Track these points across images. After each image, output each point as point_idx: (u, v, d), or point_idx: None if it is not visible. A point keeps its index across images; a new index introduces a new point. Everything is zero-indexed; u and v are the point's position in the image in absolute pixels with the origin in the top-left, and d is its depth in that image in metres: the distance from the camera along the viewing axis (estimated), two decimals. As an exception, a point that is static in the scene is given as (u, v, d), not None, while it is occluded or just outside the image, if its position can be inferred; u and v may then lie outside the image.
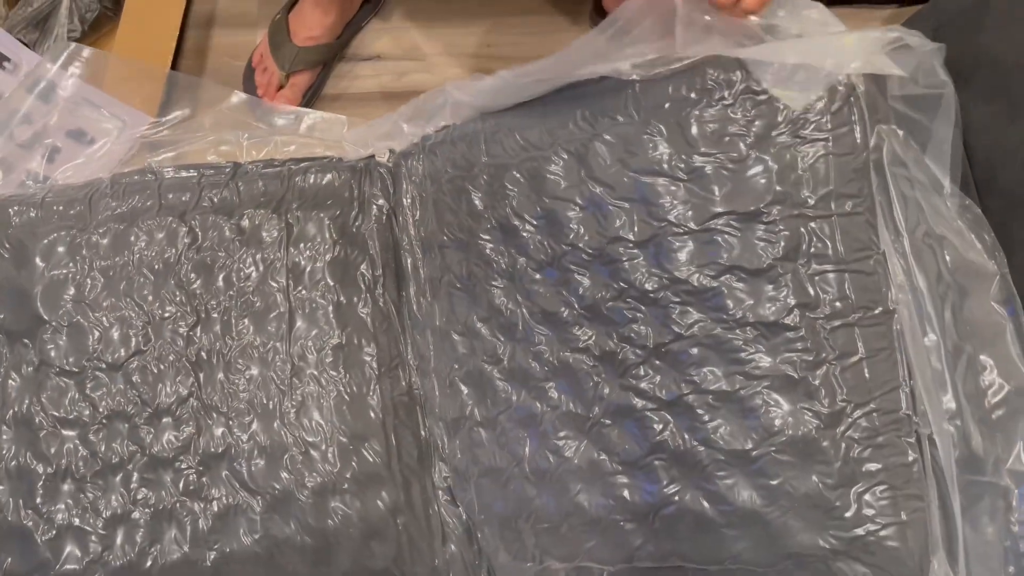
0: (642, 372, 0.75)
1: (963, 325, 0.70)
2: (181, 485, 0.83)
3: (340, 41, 1.10)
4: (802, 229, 0.70)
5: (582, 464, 0.78)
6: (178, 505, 0.83)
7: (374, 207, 0.90)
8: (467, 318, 0.85)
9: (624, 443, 0.76)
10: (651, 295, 0.74)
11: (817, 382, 0.69)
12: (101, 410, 0.85)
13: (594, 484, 0.77)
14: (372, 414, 0.85)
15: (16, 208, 0.89)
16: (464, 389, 0.85)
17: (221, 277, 0.87)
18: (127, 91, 0.98)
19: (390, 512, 0.84)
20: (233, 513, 0.83)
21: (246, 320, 0.87)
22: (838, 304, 0.69)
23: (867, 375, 0.69)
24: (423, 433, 0.87)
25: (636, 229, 0.75)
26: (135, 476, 0.84)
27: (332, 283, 0.88)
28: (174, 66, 1.09)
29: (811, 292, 0.70)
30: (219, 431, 0.84)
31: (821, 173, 0.70)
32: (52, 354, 0.85)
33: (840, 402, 0.69)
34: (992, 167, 0.76)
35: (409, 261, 0.89)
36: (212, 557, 0.82)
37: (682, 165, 0.73)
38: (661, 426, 0.74)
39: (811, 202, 0.70)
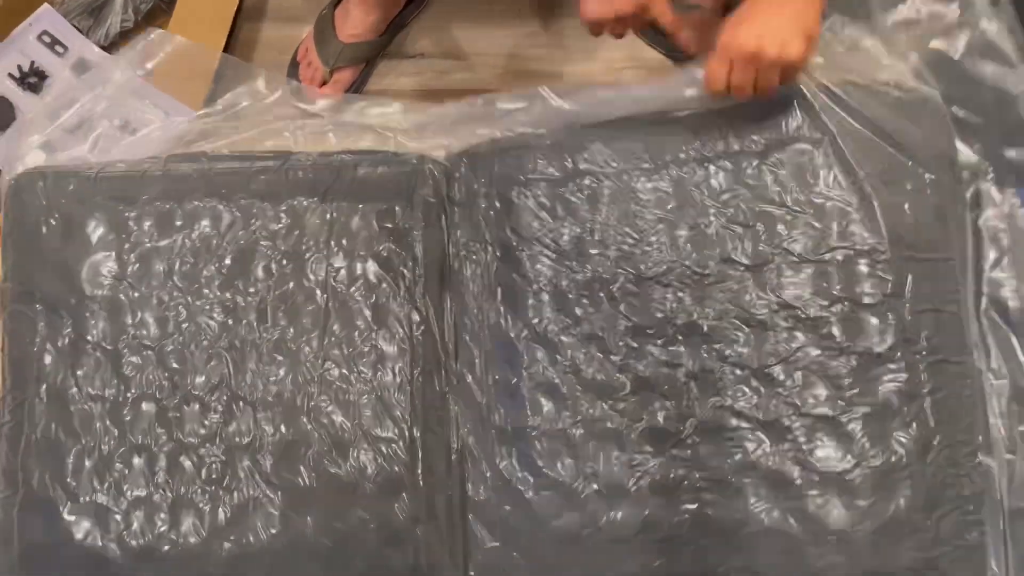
0: (740, 392, 0.78)
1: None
2: (204, 473, 0.82)
3: (384, 39, 1.10)
4: (908, 271, 0.76)
5: (663, 480, 0.78)
6: (199, 493, 0.82)
7: (423, 205, 0.88)
8: (542, 326, 0.83)
9: (712, 460, 0.78)
10: (758, 318, 0.78)
11: (912, 413, 0.75)
12: (132, 390, 0.82)
13: (674, 500, 0.78)
14: (401, 419, 0.83)
15: (71, 180, 0.88)
16: (530, 398, 0.83)
17: (261, 266, 0.85)
18: (176, 80, 0.99)
19: (411, 520, 0.81)
20: (252, 506, 0.81)
21: (282, 312, 0.85)
22: (935, 341, 0.76)
23: (953, 409, 0.75)
24: (455, 443, 0.84)
25: (749, 253, 0.79)
26: (160, 459, 0.82)
27: (373, 280, 0.85)
28: (223, 60, 1.08)
29: (912, 329, 0.76)
30: (246, 422, 0.83)
31: (925, 220, 0.77)
32: (90, 329, 0.84)
33: (930, 432, 0.75)
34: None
35: (460, 263, 0.87)
36: (228, 548, 0.81)
37: (802, 198, 0.78)
38: (755, 445, 0.77)
39: (918, 246, 0.77)
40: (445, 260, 0.87)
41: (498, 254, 0.84)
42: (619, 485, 0.79)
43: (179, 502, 0.82)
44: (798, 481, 0.76)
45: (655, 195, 0.82)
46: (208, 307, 0.85)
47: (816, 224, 0.78)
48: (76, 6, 1.08)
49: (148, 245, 0.86)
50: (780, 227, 0.79)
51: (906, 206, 0.77)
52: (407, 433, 0.83)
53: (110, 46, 1.10)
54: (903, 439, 0.75)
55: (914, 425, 0.75)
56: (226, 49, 1.09)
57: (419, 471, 0.82)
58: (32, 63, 1.06)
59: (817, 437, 0.76)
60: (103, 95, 0.95)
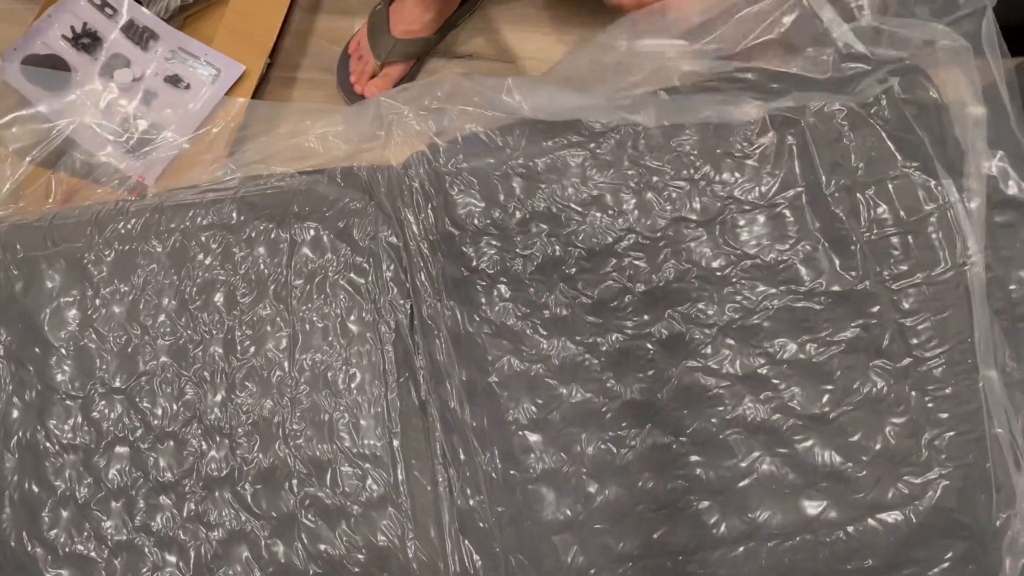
0: (711, 351, 0.77)
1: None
2: (184, 511, 0.80)
3: (436, 37, 1.11)
4: (857, 196, 0.76)
5: (649, 450, 0.78)
6: (181, 532, 0.80)
7: (378, 216, 0.87)
8: (502, 317, 0.82)
9: (694, 423, 0.77)
10: (719, 273, 0.78)
11: (887, 340, 0.75)
12: (104, 434, 0.81)
13: (664, 467, 0.77)
14: (379, 435, 0.81)
15: (25, 230, 0.88)
16: (503, 393, 0.82)
17: (223, 296, 0.85)
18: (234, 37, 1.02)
19: (398, 537, 0.80)
20: (237, 539, 0.80)
21: (249, 340, 0.84)
22: (903, 266, 0.75)
23: (936, 330, 0.74)
24: (438, 449, 0.83)
25: (699, 208, 0.78)
26: (139, 502, 0.81)
27: (337, 298, 0.85)
28: (276, 46, 1.09)
29: (878, 256, 0.75)
30: (222, 454, 0.81)
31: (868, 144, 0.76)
32: (57, 378, 0.82)
33: (910, 357, 0.74)
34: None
35: (418, 264, 0.85)
36: (216, 586, 0.79)
37: (745, 145, 0.77)
38: (735, 401, 0.76)
39: (860, 172, 0.76)
40: (409, 263, 0.86)
41: (443, 250, 0.83)
42: (606, 464, 0.78)
43: (162, 542, 0.80)
44: (784, 429, 0.76)
45: (594, 166, 0.81)
46: (174, 343, 0.84)
47: (763, 168, 0.78)
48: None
49: (109, 288, 0.85)
50: (727, 176, 0.79)
51: (845, 138, 0.77)
52: (387, 448, 0.81)
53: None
54: (879, 369, 0.75)
55: (892, 351, 0.75)
56: (279, 38, 1.10)
57: (403, 486, 0.80)
58: (84, 24, 1.05)
59: (795, 382, 0.76)
60: (155, 54, 1.01)
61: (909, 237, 0.76)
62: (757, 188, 0.78)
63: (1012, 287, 0.76)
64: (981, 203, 0.73)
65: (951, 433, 0.74)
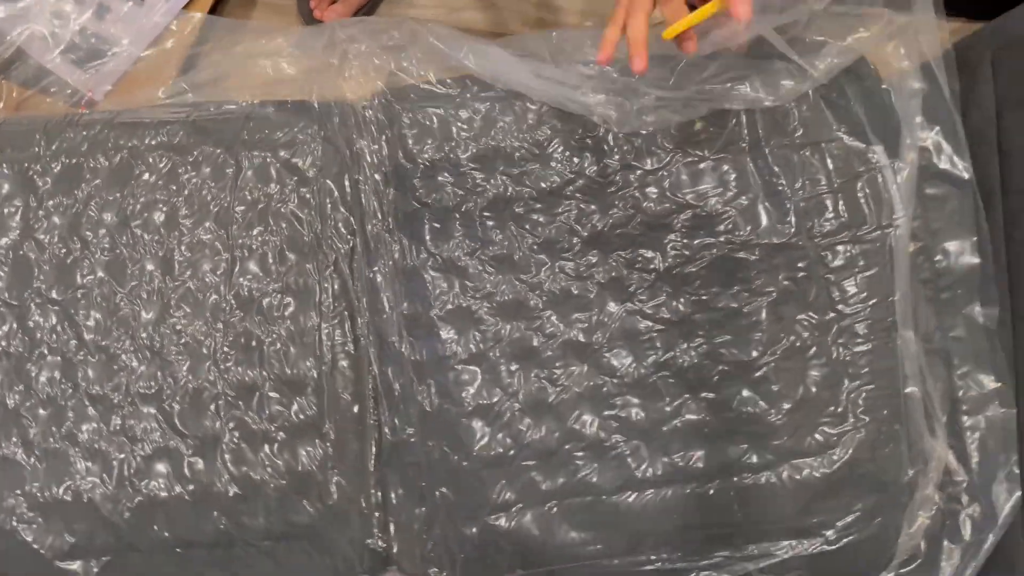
0: (648, 296, 0.80)
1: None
2: (111, 424, 0.81)
3: None
4: (794, 156, 0.79)
5: (581, 391, 0.79)
6: (106, 444, 0.81)
7: (328, 150, 0.85)
8: (447, 252, 0.83)
9: (626, 366, 0.79)
10: (662, 220, 0.80)
11: (813, 295, 0.78)
12: (37, 343, 0.81)
13: (595, 408, 0.79)
14: (308, 364, 0.82)
15: None
16: (444, 328, 0.82)
17: (165, 216, 0.84)
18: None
19: (319, 467, 0.81)
20: (160, 455, 0.81)
21: (187, 261, 0.84)
22: (833, 224, 0.79)
23: (860, 288, 0.78)
24: (369, 383, 0.83)
25: (648, 157, 0.80)
26: (68, 412, 0.81)
27: (279, 227, 0.85)
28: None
29: (810, 214, 0.79)
30: (152, 371, 0.82)
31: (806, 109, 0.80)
32: (-5, 285, 0.83)
33: (833, 312, 0.78)
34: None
35: (369, 195, 0.84)
36: (136, 498, 0.80)
37: (694, 93, 0.79)
38: (667, 345, 0.79)
39: (798, 134, 0.79)
40: (351, 201, 0.86)
41: (395, 183, 0.83)
42: (541, 401, 0.80)
43: (87, 453, 0.81)
44: (711, 375, 0.78)
45: (551, 111, 0.82)
46: (113, 259, 0.84)
47: (709, 125, 0.80)
48: None
49: (52, 200, 0.85)
50: (674, 131, 0.80)
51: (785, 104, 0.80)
52: (316, 378, 0.82)
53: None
54: (807, 322, 0.78)
55: (818, 305, 0.78)
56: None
57: (328, 417, 0.81)
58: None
59: (725, 330, 0.79)
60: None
61: (840, 198, 0.79)
62: (703, 143, 0.80)
63: (938, 258, 0.77)
64: (912, 172, 0.75)
65: (869, 387, 0.77)
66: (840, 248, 0.78)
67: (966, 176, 0.77)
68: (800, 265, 0.78)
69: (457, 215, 0.82)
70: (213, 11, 1.00)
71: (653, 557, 0.77)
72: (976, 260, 0.77)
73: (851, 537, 0.77)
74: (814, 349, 0.77)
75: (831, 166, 0.79)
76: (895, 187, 0.77)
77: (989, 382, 0.78)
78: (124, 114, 0.89)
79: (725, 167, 0.80)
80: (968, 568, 0.75)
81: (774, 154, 0.79)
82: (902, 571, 0.77)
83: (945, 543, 0.77)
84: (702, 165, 0.81)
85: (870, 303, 0.78)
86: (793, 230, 0.79)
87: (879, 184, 0.78)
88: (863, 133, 0.78)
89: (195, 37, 0.92)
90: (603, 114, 0.77)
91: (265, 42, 0.88)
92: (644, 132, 0.80)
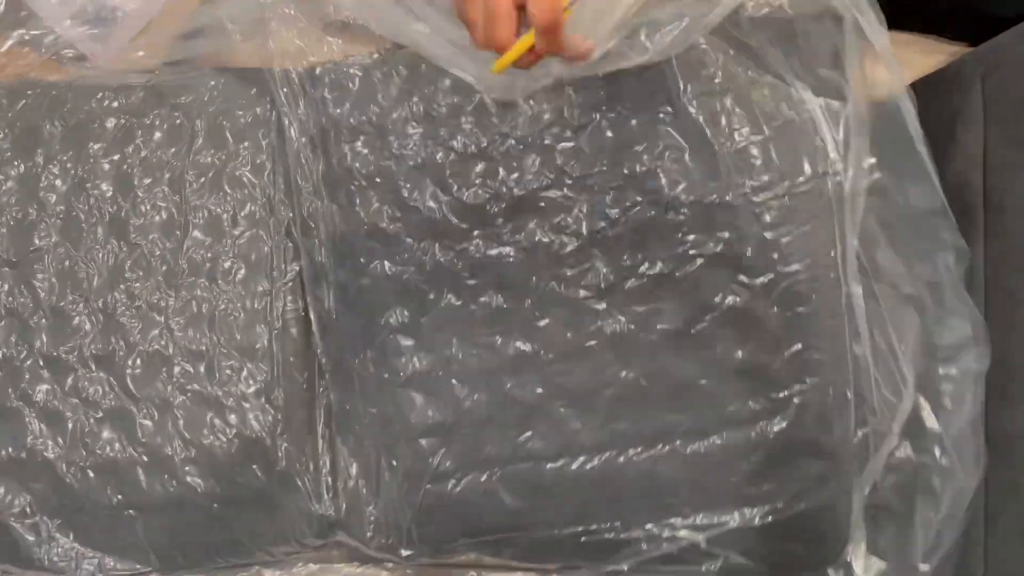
0: (576, 261, 0.77)
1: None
2: (65, 386, 0.82)
3: None
4: (716, 105, 0.74)
5: (515, 357, 0.78)
6: (60, 405, 0.82)
7: (273, 112, 0.85)
8: (375, 219, 0.81)
9: (558, 332, 0.77)
10: (587, 182, 0.76)
11: (749, 254, 0.73)
12: None
13: (529, 375, 0.77)
14: (259, 331, 0.82)
15: None
16: (376, 296, 0.81)
17: (120, 180, 0.85)
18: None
19: (269, 434, 0.81)
20: (113, 418, 0.82)
21: (140, 226, 0.84)
22: (765, 176, 0.73)
23: (798, 243, 0.73)
24: (318, 353, 0.83)
25: (575, 116, 0.77)
26: (24, 374, 0.83)
27: (232, 191, 0.85)
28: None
29: (740, 167, 0.74)
30: (105, 334, 0.83)
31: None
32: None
33: (772, 272, 0.73)
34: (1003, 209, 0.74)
35: (303, 162, 0.83)
36: (90, 461, 0.81)
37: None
38: (596, 312, 0.76)
39: (717, 80, 0.74)
40: (294, 162, 0.85)
41: (319, 149, 0.82)
42: (475, 369, 0.78)
43: (42, 414, 0.82)
44: (643, 341, 0.76)
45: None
46: (68, 222, 0.85)
47: (628, 79, 0.76)
48: None
49: (12, 162, 0.86)
50: (600, 92, 0.77)
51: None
52: (265, 345, 0.82)
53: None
54: (740, 284, 0.74)
55: (753, 266, 0.74)
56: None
57: (278, 383, 0.81)
58: None
59: (656, 296, 0.76)
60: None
61: (771, 146, 0.74)
62: (623, 97, 0.76)
63: (899, 199, 0.73)
64: (858, 110, 0.70)
65: (813, 351, 0.73)
66: (775, 203, 0.73)
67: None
68: (734, 224, 0.74)
69: (380, 179, 0.81)
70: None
71: (598, 527, 0.76)
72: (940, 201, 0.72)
73: (802, 506, 0.73)
74: (753, 313, 0.73)
75: (757, 112, 0.74)
76: (828, 131, 0.72)
77: (965, 328, 0.72)
78: (86, 78, 0.89)
79: (648, 121, 0.76)
80: (945, 527, 0.71)
81: (694, 105, 0.74)
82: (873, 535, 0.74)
83: (919, 499, 0.72)
84: (624, 120, 0.77)
85: (809, 260, 0.72)
86: (723, 186, 0.74)
87: (810, 129, 0.73)
88: (788, 75, 0.73)
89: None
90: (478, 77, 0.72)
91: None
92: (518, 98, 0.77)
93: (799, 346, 0.72)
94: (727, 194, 0.74)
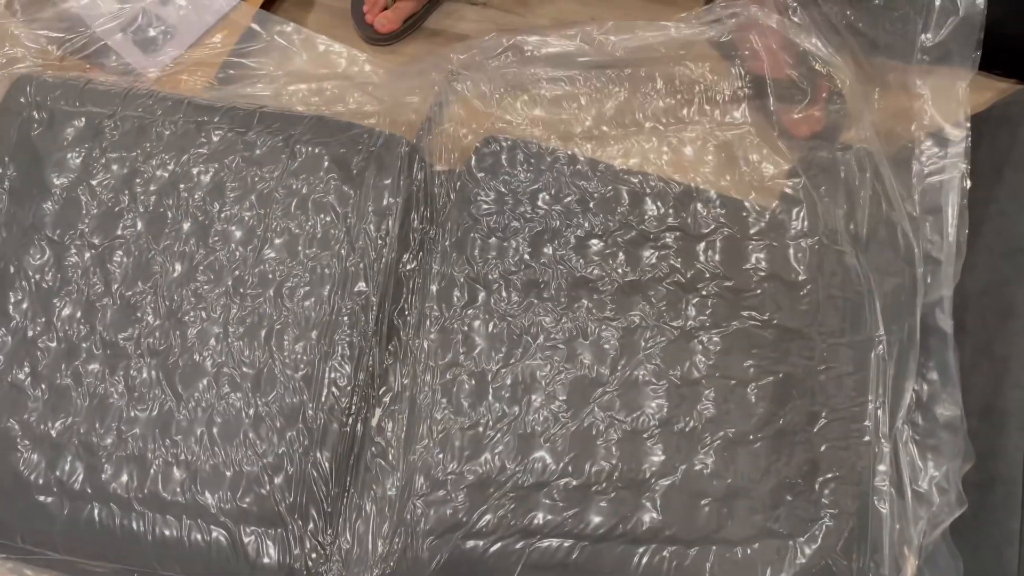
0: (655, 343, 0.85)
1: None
2: (116, 371, 0.84)
3: None
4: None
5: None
6: (104, 388, 0.83)
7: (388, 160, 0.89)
8: (478, 269, 0.87)
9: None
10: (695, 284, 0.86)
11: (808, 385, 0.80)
12: (67, 282, 0.85)
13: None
14: (310, 351, 0.83)
15: (58, 88, 0.92)
16: (463, 339, 0.85)
17: (213, 186, 0.88)
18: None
19: (300, 453, 0.81)
20: (153, 410, 0.82)
21: (221, 233, 0.87)
22: (836, 323, 0.82)
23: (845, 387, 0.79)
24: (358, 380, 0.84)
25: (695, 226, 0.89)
26: (81, 353, 0.85)
27: (317, 215, 0.87)
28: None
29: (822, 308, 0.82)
30: (165, 329, 0.84)
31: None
32: (43, 220, 0.88)
33: (816, 407, 0.79)
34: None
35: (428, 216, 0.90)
36: (120, 450, 0.81)
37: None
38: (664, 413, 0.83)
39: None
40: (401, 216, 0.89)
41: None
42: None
43: (86, 393, 0.83)
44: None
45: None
46: (155, 216, 0.88)
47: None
48: None
49: (116, 152, 0.90)
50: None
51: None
52: (313, 367, 0.83)
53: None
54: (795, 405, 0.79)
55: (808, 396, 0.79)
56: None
57: (319, 407, 0.82)
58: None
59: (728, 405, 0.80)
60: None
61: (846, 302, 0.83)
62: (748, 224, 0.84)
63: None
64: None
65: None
66: (841, 350, 0.80)
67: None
68: (805, 355, 0.80)
69: (495, 239, 0.88)
70: (269, 7, 1.04)
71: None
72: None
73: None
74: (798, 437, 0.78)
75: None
76: (878, 304, 0.80)
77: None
78: (201, 98, 0.94)
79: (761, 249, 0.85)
80: None
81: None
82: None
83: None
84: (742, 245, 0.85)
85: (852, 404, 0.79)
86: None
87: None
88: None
89: (243, 33, 0.95)
90: None
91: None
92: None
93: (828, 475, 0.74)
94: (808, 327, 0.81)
